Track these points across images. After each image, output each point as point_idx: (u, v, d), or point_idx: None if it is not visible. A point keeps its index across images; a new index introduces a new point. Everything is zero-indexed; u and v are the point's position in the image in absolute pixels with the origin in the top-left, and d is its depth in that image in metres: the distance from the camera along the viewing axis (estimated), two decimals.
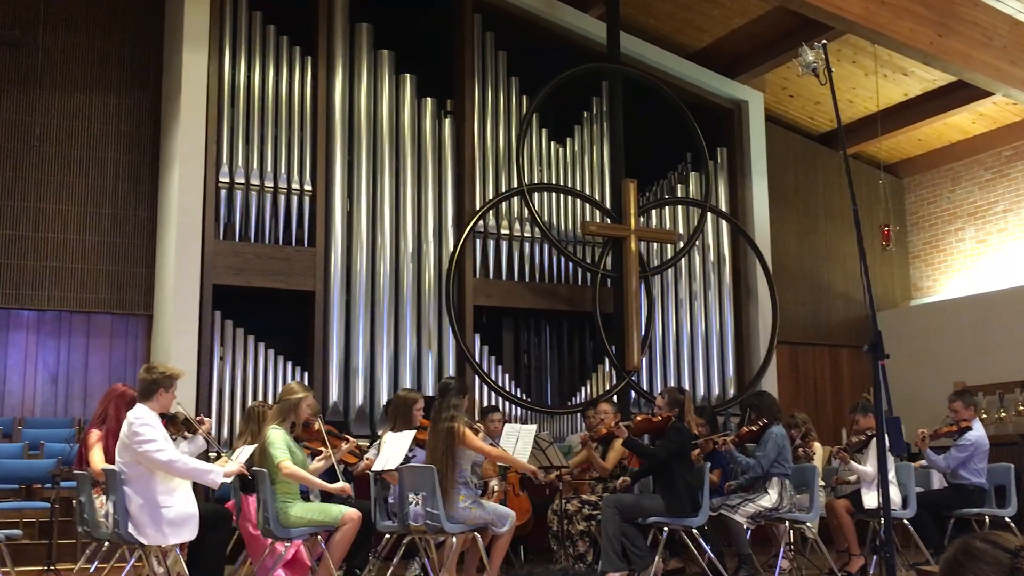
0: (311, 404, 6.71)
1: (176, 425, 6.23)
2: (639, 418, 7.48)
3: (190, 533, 5.86)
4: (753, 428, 7.63)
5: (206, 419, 6.55)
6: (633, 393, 10.54)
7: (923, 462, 8.35)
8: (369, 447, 7.55)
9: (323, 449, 6.65)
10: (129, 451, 5.78)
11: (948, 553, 2.05)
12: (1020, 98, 10.67)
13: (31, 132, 9.85)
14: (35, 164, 9.86)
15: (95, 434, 6.31)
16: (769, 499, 7.43)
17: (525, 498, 8.42)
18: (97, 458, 6.15)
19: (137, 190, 10.14)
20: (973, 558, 1.99)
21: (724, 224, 11.68)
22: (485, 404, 9.76)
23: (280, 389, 8.77)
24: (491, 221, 10.40)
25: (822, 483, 8.26)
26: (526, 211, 10.42)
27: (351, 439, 6.80)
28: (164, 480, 5.80)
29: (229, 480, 6.08)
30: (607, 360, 10.53)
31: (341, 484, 6.37)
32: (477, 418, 8.71)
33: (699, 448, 7.67)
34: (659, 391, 8.81)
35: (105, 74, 10.22)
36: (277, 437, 6.21)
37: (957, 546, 2.05)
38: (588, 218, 10.77)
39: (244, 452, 6.32)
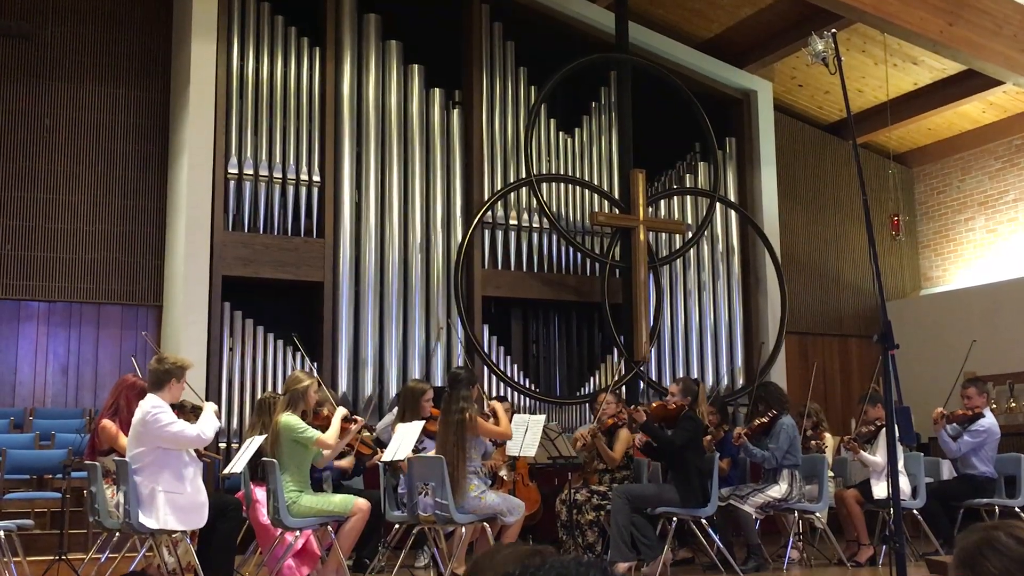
0: (320, 394, 6.74)
1: (185, 413, 6.27)
2: (655, 404, 7.49)
3: (199, 520, 5.90)
4: (764, 420, 7.62)
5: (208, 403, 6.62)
6: (642, 383, 10.54)
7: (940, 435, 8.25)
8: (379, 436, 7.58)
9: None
10: (142, 440, 5.82)
11: (968, 541, 1.98)
12: None
13: (41, 123, 9.87)
14: (45, 155, 9.88)
15: (112, 424, 6.34)
16: (779, 489, 7.44)
17: (534, 488, 8.43)
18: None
19: (146, 181, 10.16)
20: (996, 552, 1.93)
21: (733, 214, 11.66)
22: (493, 394, 9.77)
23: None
24: (499, 211, 10.40)
25: (831, 473, 8.26)
26: (534, 201, 10.41)
27: (359, 419, 6.81)
28: (174, 468, 5.83)
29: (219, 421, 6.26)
30: (616, 350, 10.53)
31: (342, 411, 6.45)
32: (487, 408, 8.72)
33: (710, 436, 7.67)
34: (675, 378, 8.78)
35: (114, 65, 10.23)
36: (296, 420, 6.22)
37: (979, 536, 1.97)
38: (596, 208, 10.76)
39: (255, 443, 6.34)
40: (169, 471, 5.82)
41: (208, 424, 5.99)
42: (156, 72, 10.30)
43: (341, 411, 6.48)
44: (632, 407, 7.38)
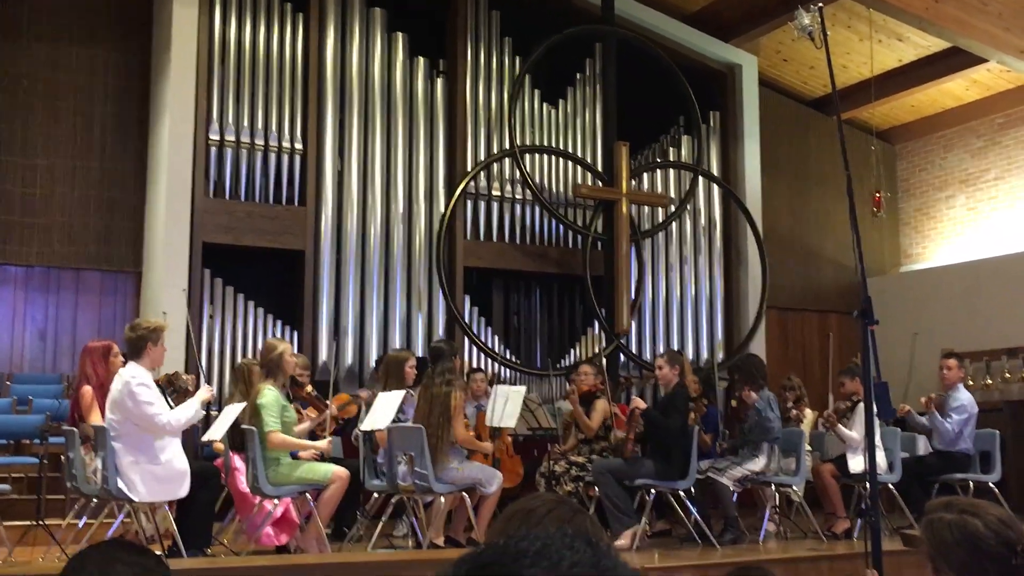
0: (299, 360, 6.75)
1: (179, 394, 6.25)
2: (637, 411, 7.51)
3: (181, 490, 5.88)
4: (753, 393, 7.65)
5: (188, 376, 6.61)
6: (622, 356, 10.56)
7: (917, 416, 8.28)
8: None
9: (313, 414, 6.72)
10: (121, 408, 5.77)
11: (944, 523, 1.87)
12: (1014, 65, 10.63)
13: (18, 85, 9.74)
14: (22, 117, 9.75)
15: (88, 393, 6.29)
16: (757, 463, 7.49)
17: (519, 460, 8.44)
18: (99, 419, 6.15)
19: (125, 144, 10.04)
20: (973, 546, 1.82)
21: (716, 188, 11.66)
22: (474, 365, 9.78)
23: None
24: (482, 182, 10.36)
25: (809, 447, 8.31)
26: (517, 173, 10.38)
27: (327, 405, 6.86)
28: (155, 437, 5.80)
29: (203, 410, 6.20)
30: (597, 323, 10.54)
31: (324, 443, 6.45)
32: (465, 379, 8.73)
33: (694, 410, 7.71)
34: (659, 353, 8.75)
35: (94, 26, 10.08)
36: (271, 400, 6.18)
37: (956, 523, 1.85)
38: (580, 181, 10.74)
39: (233, 410, 6.33)
40: (149, 439, 5.78)
41: (185, 413, 5.89)
42: (136, 33, 10.15)
43: (312, 424, 6.51)
44: (631, 403, 7.39)
